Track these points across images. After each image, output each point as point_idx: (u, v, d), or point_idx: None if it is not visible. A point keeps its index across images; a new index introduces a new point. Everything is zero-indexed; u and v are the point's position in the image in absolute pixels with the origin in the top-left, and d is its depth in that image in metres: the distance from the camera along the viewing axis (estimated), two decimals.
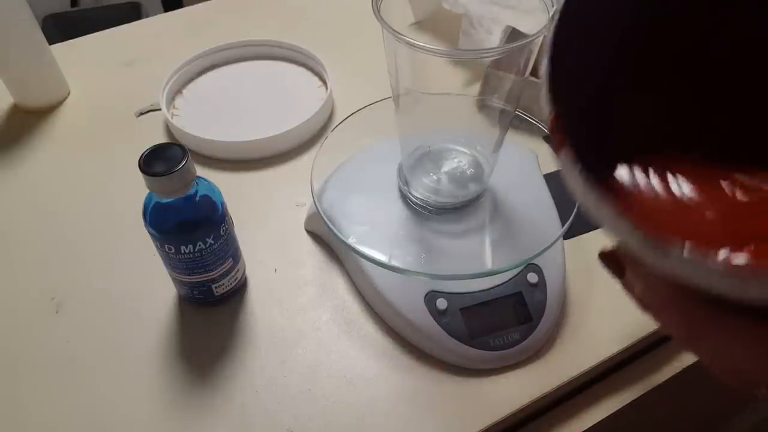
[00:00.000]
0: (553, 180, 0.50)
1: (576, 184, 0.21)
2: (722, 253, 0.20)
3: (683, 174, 0.25)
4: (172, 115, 0.64)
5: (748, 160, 0.25)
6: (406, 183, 0.49)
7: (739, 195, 0.24)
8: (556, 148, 0.22)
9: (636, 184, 0.24)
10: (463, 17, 0.65)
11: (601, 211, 0.20)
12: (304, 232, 0.53)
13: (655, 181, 0.25)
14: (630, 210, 0.21)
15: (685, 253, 0.18)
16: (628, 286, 0.26)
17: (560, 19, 0.24)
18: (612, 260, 0.27)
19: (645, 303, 0.25)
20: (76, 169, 0.60)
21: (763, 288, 0.17)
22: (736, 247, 0.21)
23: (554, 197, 0.49)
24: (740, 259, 0.20)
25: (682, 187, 0.24)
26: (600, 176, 0.23)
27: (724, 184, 0.24)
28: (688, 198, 0.24)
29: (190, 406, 0.42)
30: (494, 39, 0.62)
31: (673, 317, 0.23)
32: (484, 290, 0.44)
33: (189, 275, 0.43)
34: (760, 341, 0.20)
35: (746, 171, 0.24)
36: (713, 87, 0.26)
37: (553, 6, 0.37)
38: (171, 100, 0.65)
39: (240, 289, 0.48)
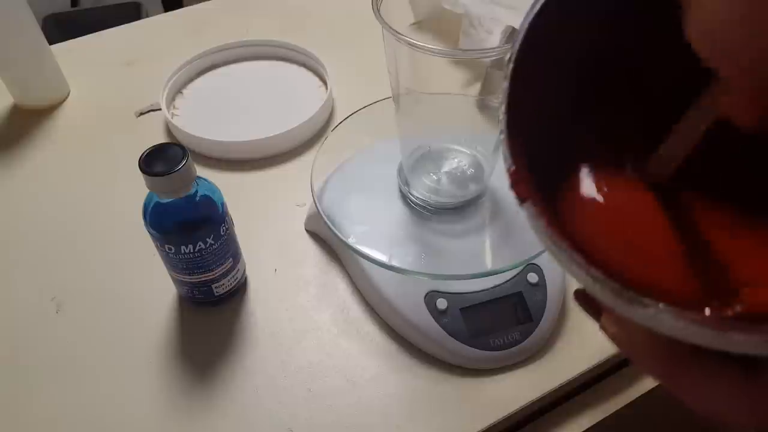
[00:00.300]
0: None
1: (542, 236, 0.21)
2: (706, 310, 0.19)
3: (655, 212, 0.24)
4: (173, 115, 0.64)
5: (729, 196, 0.24)
6: (406, 183, 0.49)
7: (719, 237, 0.23)
8: (519, 199, 0.21)
9: (605, 228, 0.23)
10: (463, 17, 0.65)
11: (570, 266, 0.20)
12: (304, 232, 0.53)
13: (625, 220, 0.24)
14: (600, 256, 0.20)
15: (661, 310, 0.17)
16: (605, 329, 0.25)
17: (514, 69, 0.23)
18: (588, 300, 0.26)
19: (623, 347, 0.24)
20: (77, 169, 0.60)
21: (747, 341, 0.16)
22: (717, 296, 0.20)
23: None
24: (723, 312, 0.19)
25: (656, 226, 0.23)
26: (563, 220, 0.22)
27: (701, 223, 0.23)
28: (665, 240, 0.23)
29: (190, 406, 0.42)
30: (494, 39, 0.62)
31: (651, 361, 0.22)
32: (484, 290, 0.44)
33: (189, 275, 0.43)
34: (743, 394, 0.19)
35: (725, 209, 0.23)
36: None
37: None
38: (171, 100, 0.65)
39: (240, 289, 0.48)
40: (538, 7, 0.23)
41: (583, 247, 0.20)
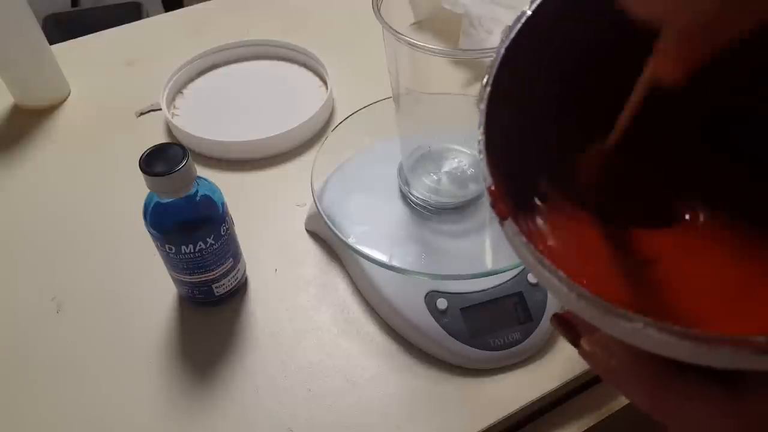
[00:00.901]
0: None
1: (523, 254, 0.21)
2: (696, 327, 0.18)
3: (640, 233, 0.23)
4: (173, 114, 0.64)
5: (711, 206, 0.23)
6: (407, 183, 0.49)
7: (702, 254, 0.22)
8: (500, 218, 0.22)
9: (587, 246, 0.23)
10: (463, 17, 0.65)
11: (551, 282, 0.19)
12: (304, 232, 0.53)
13: (605, 241, 0.23)
14: (581, 275, 0.20)
15: (647, 324, 0.17)
16: (584, 353, 0.24)
17: (491, 92, 0.23)
18: (566, 324, 0.26)
19: (604, 370, 0.23)
20: (77, 169, 0.60)
21: (734, 354, 0.16)
22: (705, 314, 0.19)
23: None
24: (703, 329, 0.18)
25: (638, 247, 0.23)
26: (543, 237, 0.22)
27: (683, 242, 0.23)
28: (645, 259, 0.23)
29: (190, 406, 0.42)
30: (494, 39, 0.62)
31: (635, 385, 0.21)
32: (484, 290, 0.44)
33: (189, 275, 0.43)
34: (731, 414, 0.19)
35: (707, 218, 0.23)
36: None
37: None
38: (171, 100, 0.65)
39: (240, 289, 0.48)
40: (515, 30, 0.23)
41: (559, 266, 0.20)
